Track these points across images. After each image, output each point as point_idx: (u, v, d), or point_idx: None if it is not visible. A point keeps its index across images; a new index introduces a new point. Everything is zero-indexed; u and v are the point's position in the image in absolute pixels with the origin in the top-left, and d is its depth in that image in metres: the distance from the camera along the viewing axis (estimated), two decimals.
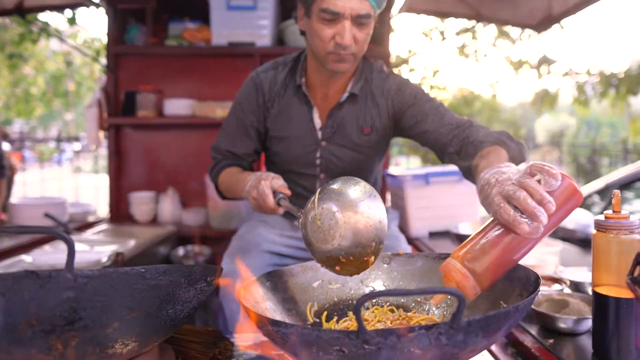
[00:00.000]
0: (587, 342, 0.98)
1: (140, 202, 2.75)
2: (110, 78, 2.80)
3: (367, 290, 0.99)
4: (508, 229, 0.74)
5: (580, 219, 2.32)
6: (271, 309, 0.87)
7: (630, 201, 2.84)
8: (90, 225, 2.63)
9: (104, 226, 2.61)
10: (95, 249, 1.99)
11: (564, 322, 1.01)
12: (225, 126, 1.54)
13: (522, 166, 0.89)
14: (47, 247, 2.03)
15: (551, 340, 1.00)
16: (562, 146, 7.08)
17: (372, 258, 0.81)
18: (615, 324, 0.88)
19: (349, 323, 0.88)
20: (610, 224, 0.87)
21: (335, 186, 0.85)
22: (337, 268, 0.83)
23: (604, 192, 2.49)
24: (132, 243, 2.13)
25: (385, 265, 1.03)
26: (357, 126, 1.43)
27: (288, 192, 1.16)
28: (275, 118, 1.46)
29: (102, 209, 4.73)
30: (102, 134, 2.79)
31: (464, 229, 1.97)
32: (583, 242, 2.27)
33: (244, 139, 1.49)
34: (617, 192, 0.88)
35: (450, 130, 1.29)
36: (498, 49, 8.19)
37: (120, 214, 2.87)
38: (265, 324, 0.63)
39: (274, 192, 1.16)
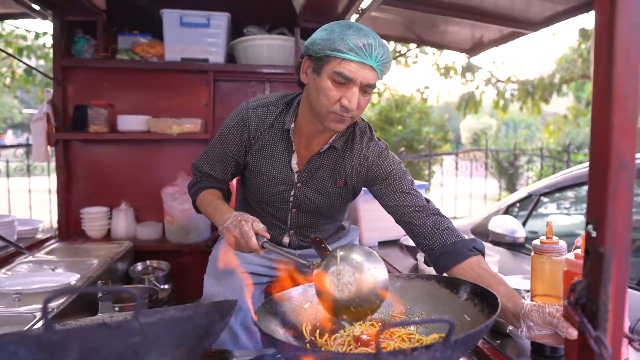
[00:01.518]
0: (526, 341, 1.21)
1: (93, 217, 2.72)
2: (58, 91, 2.74)
3: None
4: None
5: (507, 225, 2.64)
6: (275, 330, 1.00)
7: (546, 205, 3.23)
8: (40, 243, 2.56)
9: (55, 244, 2.56)
10: (58, 271, 1.99)
11: (508, 326, 1.23)
12: (209, 149, 1.58)
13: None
14: (3, 270, 2.00)
15: (498, 341, 1.22)
16: (486, 150, 7.66)
17: (372, 314, 1.00)
18: None
19: (342, 340, 1.03)
20: (545, 248, 1.10)
21: (353, 254, 1.02)
22: (345, 316, 1.00)
23: (526, 200, 2.84)
24: (94, 262, 2.14)
25: None
26: (332, 178, 1.50)
27: (268, 236, 1.25)
28: (256, 154, 1.50)
29: (36, 213, 4.52)
30: (50, 148, 2.72)
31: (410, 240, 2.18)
32: (511, 245, 2.58)
33: (223, 166, 1.56)
34: (549, 222, 1.11)
35: (418, 211, 1.37)
36: (427, 55, 8.71)
37: (70, 230, 2.81)
38: (294, 351, 0.77)
39: (256, 234, 1.24)
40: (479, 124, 18.63)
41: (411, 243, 2.17)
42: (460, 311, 1.02)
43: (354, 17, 2.67)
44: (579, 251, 0.96)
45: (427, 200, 1.41)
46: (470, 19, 2.45)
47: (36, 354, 0.65)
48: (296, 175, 1.50)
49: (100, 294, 1.32)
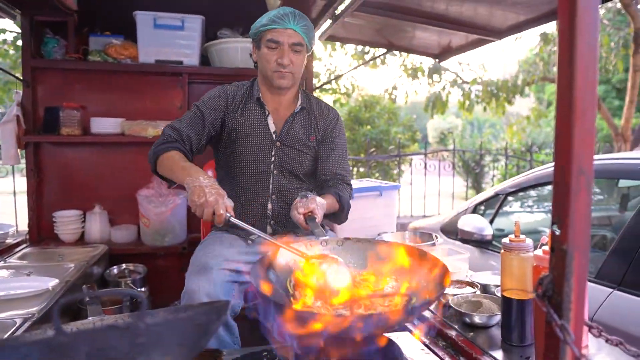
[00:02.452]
0: (496, 332, 1.30)
1: (66, 221, 2.68)
2: (28, 93, 2.69)
3: None
4: None
5: (475, 223, 2.76)
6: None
7: (510, 203, 3.39)
8: (11, 248, 2.51)
9: (27, 249, 2.51)
10: (33, 277, 1.96)
11: (480, 319, 1.32)
12: (185, 116, 1.77)
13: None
14: None
15: (471, 333, 1.30)
16: (454, 150, 7.88)
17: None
18: (517, 318, 1.20)
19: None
20: (513, 246, 1.19)
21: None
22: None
23: (493, 199, 2.97)
24: (71, 266, 2.12)
25: (340, 247, 1.34)
26: (305, 134, 1.84)
27: (233, 214, 1.39)
28: (239, 123, 1.78)
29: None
30: (20, 151, 2.66)
31: (387, 239, 2.26)
32: (479, 242, 2.71)
33: (201, 128, 1.74)
34: (517, 221, 1.20)
35: (331, 176, 1.83)
36: (395, 57, 8.87)
37: (42, 234, 2.76)
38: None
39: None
40: (445, 123, 19.07)
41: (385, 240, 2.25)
42: (422, 277, 1.18)
43: (327, 22, 2.73)
44: (547, 248, 1.06)
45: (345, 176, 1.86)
46: (438, 26, 2.55)
47: (46, 355, 0.68)
48: (274, 135, 1.80)
49: (87, 298, 1.33)
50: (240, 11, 3.02)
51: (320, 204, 1.55)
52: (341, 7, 2.47)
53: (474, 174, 9.09)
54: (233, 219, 1.36)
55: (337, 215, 1.78)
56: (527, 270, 1.17)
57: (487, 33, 2.49)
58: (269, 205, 1.81)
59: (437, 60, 3.14)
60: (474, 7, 2.29)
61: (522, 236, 1.20)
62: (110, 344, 0.70)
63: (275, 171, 1.81)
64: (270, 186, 1.80)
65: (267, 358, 1.23)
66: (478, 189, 9.11)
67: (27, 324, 1.52)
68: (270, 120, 1.81)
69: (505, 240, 1.21)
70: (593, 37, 0.76)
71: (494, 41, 2.53)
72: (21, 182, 4.65)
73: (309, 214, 1.50)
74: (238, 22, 2.98)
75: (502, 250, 1.21)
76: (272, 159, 1.80)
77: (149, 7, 2.74)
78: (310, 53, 1.83)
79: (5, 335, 1.44)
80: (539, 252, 1.10)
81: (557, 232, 0.80)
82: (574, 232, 0.78)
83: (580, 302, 0.80)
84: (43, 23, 2.74)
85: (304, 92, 1.91)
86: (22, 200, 4.41)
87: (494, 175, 8.74)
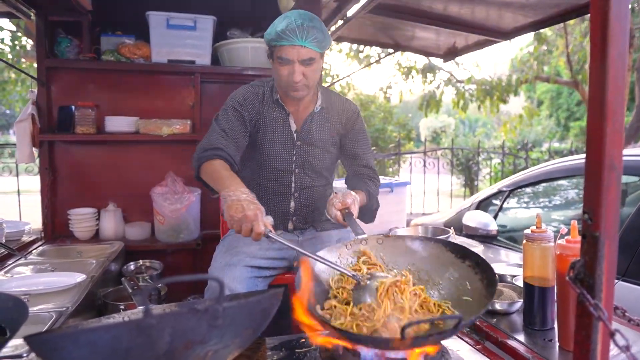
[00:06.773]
0: (517, 318, 1.38)
1: (81, 218, 2.72)
2: (42, 92, 2.72)
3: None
4: None
5: (480, 219, 2.85)
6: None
7: (507, 200, 3.49)
8: (28, 245, 2.55)
9: (44, 246, 2.55)
10: (58, 272, 2.01)
11: (502, 305, 1.40)
12: (223, 118, 1.73)
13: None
14: (2, 273, 2.00)
15: (494, 319, 1.38)
16: (452, 148, 7.99)
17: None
18: (539, 304, 1.28)
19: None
20: (535, 237, 1.27)
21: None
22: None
23: (496, 195, 3.06)
24: (93, 262, 2.17)
25: (380, 245, 1.37)
26: (326, 131, 1.86)
27: (272, 229, 1.34)
28: (264, 123, 1.81)
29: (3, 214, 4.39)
30: (35, 149, 2.70)
31: (400, 233, 2.34)
32: (484, 237, 2.79)
33: (243, 131, 1.74)
34: (539, 213, 1.28)
35: (356, 170, 1.91)
36: (390, 56, 8.95)
37: (56, 231, 2.80)
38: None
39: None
40: (437, 122, 19.23)
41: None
42: (464, 277, 1.20)
43: (338, 23, 2.80)
44: (569, 237, 1.14)
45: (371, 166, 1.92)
46: (445, 27, 2.63)
47: (136, 337, 0.74)
48: (295, 135, 1.83)
49: (130, 290, 1.38)
50: (250, 11, 3.08)
51: (355, 198, 1.60)
52: (353, 9, 2.54)
53: (469, 172, 9.22)
54: (272, 235, 1.30)
55: (366, 213, 1.83)
56: (548, 259, 1.25)
57: (494, 34, 2.58)
58: (292, 203, 1.86)
59: (443, 60, 3.21)
60: (482, 9, 2.37)
61: (544, 227, 1.28)
62: (189, 326, 0.77)
63: (297, 170, 1.85)
64: (293, 184, 1.85)
65: (304, 345, 1.31)
66: (472, 186, 9.23)
67: (62, 318, 1.58)
68: (291, 120, 1.82)
69: (527, 231, 1.29)
70: (623, 46, 0.84)
71: (499, 42, 2.62)
72: (22, 181, 4.66)
73: (346, 210, 1.55)
74: (247, 22, 3.03)
75: (525, 241, 1.29)
76: (294, 158, 1.84)
77: (159, 7, 2.78)
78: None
79: (45, 328, 1.50)
80: (561, 241, 1.18)
81: (589, 222, 0.88)
82: (606, 221, 0.86)
83: (610, 283, 0.88)
84: (55, 23, 2.78)
85: (322, 88, 1.91)
86: (23, 199, 4.43)
87: (489, 173, 8.87)
